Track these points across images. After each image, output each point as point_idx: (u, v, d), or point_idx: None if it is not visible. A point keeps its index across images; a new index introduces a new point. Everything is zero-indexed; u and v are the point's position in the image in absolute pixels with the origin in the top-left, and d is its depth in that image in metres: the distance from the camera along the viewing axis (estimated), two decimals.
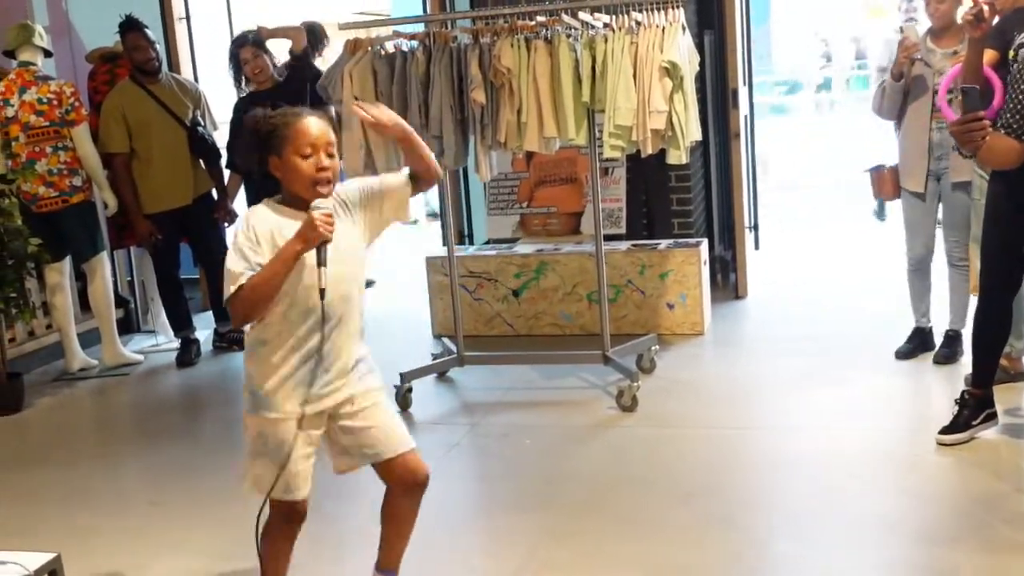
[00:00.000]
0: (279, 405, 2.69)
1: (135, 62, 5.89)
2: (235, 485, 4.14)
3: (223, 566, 3.48)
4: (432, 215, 9.01)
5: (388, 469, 2.83)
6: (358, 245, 2.76)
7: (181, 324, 6.15)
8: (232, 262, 2.59)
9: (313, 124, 2.62)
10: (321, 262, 2.56)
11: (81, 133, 5.66)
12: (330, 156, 2.63)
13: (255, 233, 2.61)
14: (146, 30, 5.90)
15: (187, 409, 5.45)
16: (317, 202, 2.57)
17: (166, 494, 4.14)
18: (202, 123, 6.06)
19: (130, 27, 5.86)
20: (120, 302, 6.58)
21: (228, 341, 6.25)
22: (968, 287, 4.78)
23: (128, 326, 6.75)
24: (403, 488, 2.86)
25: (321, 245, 2.55)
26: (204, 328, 6.37)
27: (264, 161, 2.66)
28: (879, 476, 3.79)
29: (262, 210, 2.69)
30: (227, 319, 6.26)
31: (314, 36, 6.00)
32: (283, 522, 2.85)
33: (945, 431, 3.98)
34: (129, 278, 6.93)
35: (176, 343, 6.21)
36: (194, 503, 4.03)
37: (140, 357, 6.16)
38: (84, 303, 6.17)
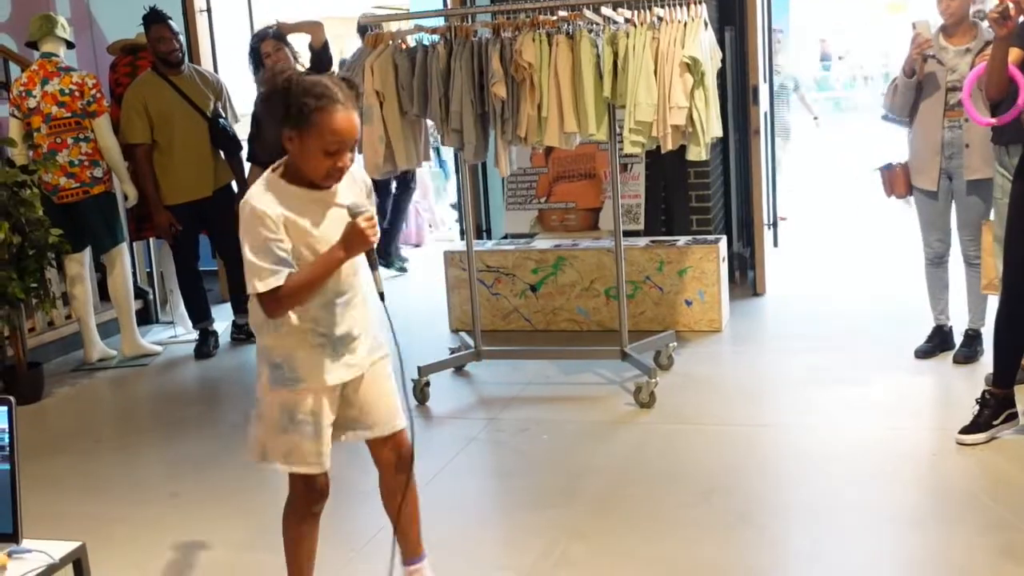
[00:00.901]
0: (303, 377, 2.66)
1: (159, 53, 5.91)
2: (255, 476, 4.18)
3: (244, 557, 3.49)
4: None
5: (379, 445, 2.83)
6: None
7: (200, 315, 6.17)
8: (256, 255, 2.49)
9: (347, 121, 2.47)
10: (373, 265, 2.55)
11: (102, 124, 5.69)
12: (352, 151, 2.55)
13: (271, 221, 2.50)
14: (170, 22, 5.92)
15: (206, 401, 5.47)
16: (355, 204, 2.51)
17: (186, 485, 4.16)
18: (223, 115, 6.08)
19: (155, 19, 5.88)
20: (139, 293, 6.61)
21: (247, 333, 6.27)
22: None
23: (147, 317, 6.78)
24: (394, 466, 2.85)
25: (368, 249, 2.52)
26: (222, 320, 6.40)
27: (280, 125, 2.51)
28: (898, 474, 3.78)
29: (264, 195, 2.54)
30: (246, 311, 6.28)
31: None
32: (304, 500, 2.82)
33: (966, 431, 3.96)
34: (148, 269, 6.97)
35: (194, 334, 6.23)
36: (214, 495, 4.05)
37: (159, 348, 6.19)
38: (103, 294, 6.21)
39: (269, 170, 2.61)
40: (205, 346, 6.08)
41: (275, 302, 2.52)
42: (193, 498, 4.03)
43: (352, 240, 2.49)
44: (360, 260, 2.66)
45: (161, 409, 5.30)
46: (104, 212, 5.81)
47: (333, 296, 2.63)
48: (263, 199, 2.53)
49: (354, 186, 2.68)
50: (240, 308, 6.30)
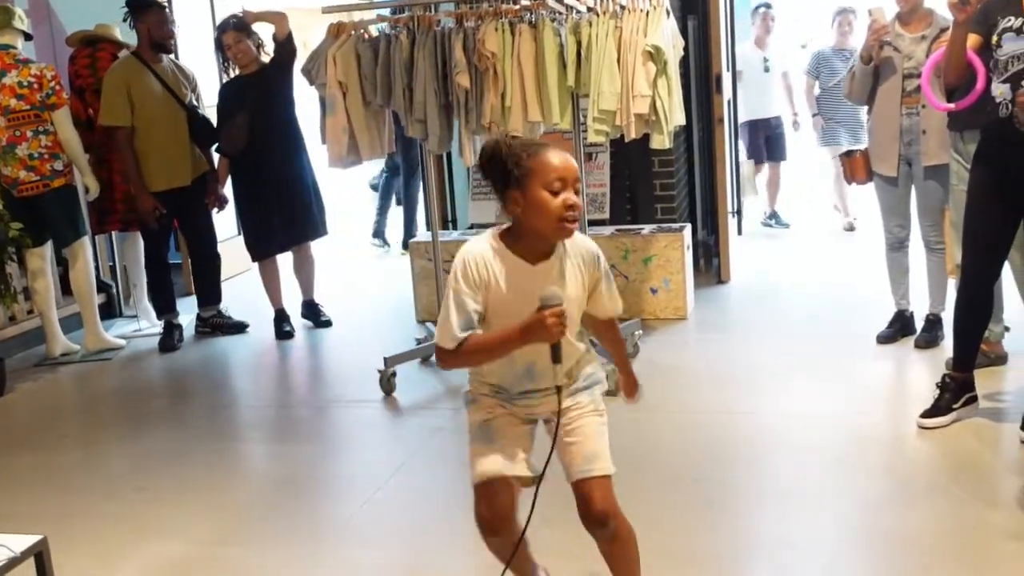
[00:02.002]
0: (484, 403, 2.59)
1: (156, 38, 5.85)
2: (222, 470, 4.18)
3: (209, 552, 3.48)
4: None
5: (575, 488, 2.55)
6: (581, 296, 2.53)
7: (165, 307, 6.12)
8: (450, 310, 2.40)
9: (562, 157, 2.38)
10: (556, 359, 2.36)
11: (62, 117, 5.63)
12: (577, 193, 2.38)
13: (475, 274, 2.39)
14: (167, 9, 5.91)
15: (171, 394, 5.44)
16: (549, 295, 2.32)
17: (151, 479, 4.14)
18: (198, 106, 6.05)
19: (154, 3, 5.86)
20: (102, 287, 6.56)
21: (211, 326, 6.24)
22: (945, 270, 4.82)
23: (110, 311, 6.73)
24: (585, 517, 2.55)
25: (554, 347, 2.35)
26: (186, 313, 6.36)
27: (502, 188, 2.40)
28: (862, 458, 3.82)
29: (483, 248, 2.43)
30: (210, 303, 6.26)
31: None
32: (487, 524, 2.59)
33: (927, 414, 4.01)
34: (111, 263, 6.91)
35: (158, 327, 6.19)
36: (180, 489, 4.02)
37: (122, 342, 6.14)
38: (66, 288, 6.15)
39: (493, 236, 2.48)
40: (170, 339, 6.04)
41: (453, 357, 2.43)
42: (159, 492, 4.00)
43: (533, 330, 2.32)
44: (570, 325, 2.45)
45: (126, 403, 5.26)
46: (65, 205, 5.75)
47: (515, 365, 2.50)
48: (479, 251, 2.43)
49: (576, 273, 2.50)
50: (204, 301, 6.27)
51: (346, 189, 10.58)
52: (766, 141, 8.19)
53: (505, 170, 2.37)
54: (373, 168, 8.97)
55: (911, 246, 5.04)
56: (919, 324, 5.04)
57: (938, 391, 4.04)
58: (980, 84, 3.76)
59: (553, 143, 2.46)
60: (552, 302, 2.31)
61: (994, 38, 3.66)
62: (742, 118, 7.87)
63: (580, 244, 2.52)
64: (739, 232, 7.30)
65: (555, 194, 2.35)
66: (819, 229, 7.99)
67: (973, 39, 3.74)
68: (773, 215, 8.28)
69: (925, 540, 3.19)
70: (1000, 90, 3.64)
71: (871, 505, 3.49)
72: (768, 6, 8.11)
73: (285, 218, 5.97)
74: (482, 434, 2.57)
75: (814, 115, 7.84)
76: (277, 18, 5.75)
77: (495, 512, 2.55)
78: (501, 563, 2.67)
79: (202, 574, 3.33)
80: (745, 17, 8.49)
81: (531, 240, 2.42)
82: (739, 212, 7.33)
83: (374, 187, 9.09)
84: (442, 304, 2.46)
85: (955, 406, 4.01)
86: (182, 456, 4.37)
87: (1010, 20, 3.61)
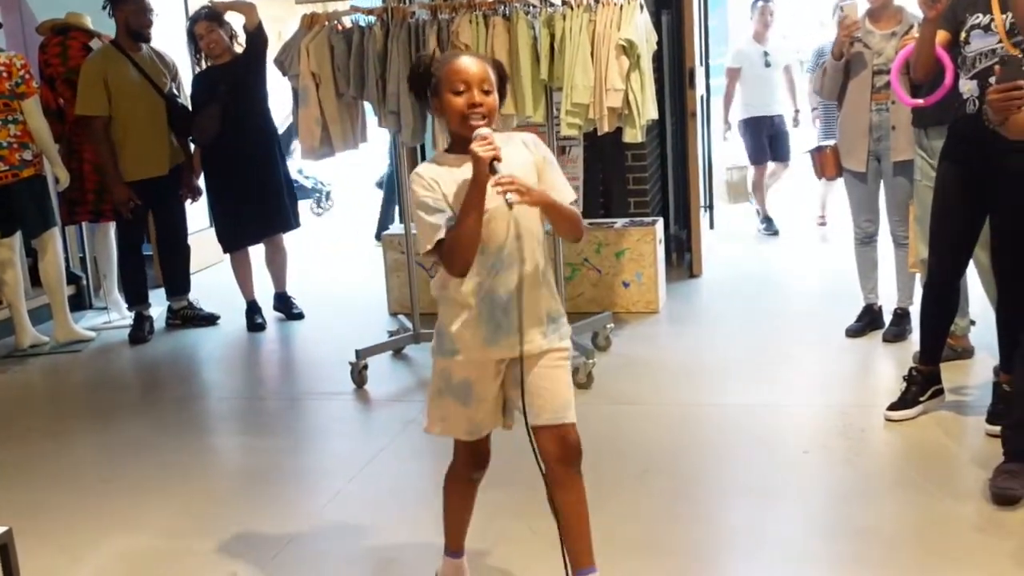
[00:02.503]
0: (461, 348, 2.62)
1: (135, 27, 5.81)
2: (190, 462, 4.16)
3: (176, 544, 3.46)
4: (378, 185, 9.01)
5: (544, 434, 2.61)
6: (533, 179, 2.57)
7: (137, 298, 6.09)
8: (421, 216, 2.53)
9: (467, 62, 2.53)
10: (492, 171, 2.42)
11: (32, 106, 5.57)
12: (486, 92, 2.51)
13: (426, 180, 2.53)
14: None
15: (140, 386, 5.41)
16: (476, 132, 2.46)
17: (119, 471, 4.11)
18: (178, 95, 6.01)
19: None
20: (72, 278, 6.50)
21: (182, 318, 6.21)
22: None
23: (80, 303, 6.68)
24: (557, 458, 2.62)
25: (492, 165, 2.42)
26: (157, 305, 6.32)
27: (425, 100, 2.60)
28: (830, 450, 3.85)
29: (427, 165, 2.60)
30: (179, 293, 6.23)
31: None
32: (464, 466, 2.81)
33: (894, 407, 4.05)
34: (81, 254, 6.86)
35: (128, 319, 6.15)
36: (147, 480, 4.00)
37: (92, 334, 6.10)
38: (35, 279, 6.09)
39: (437, 153, 2.68)
40: (140, 331, 6.00)
41: (445, 254, 2.51)
42: (127, 484, 3.98)
43: (474, 165, 2.44)
44: (533, 224, 2.58)
45: (95, 395, 5.23)
46: (35, 196, 5.70)
47: (498, 266, 2.56)
48: (420, 169, 2.59)
49: (517, 152, 2.58)
50: (175, 292, 6.23)
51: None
52: (770, 141, 7.82)
53: (427, 81, 2.57)
54: (379, 166, 8.91)
55: (880, 241, 5.08)
56: (888, 318, 5.08)
57: (905, 384, 4.08)
58: (948, 80, 3.79)
59: (472, 53, 2.67)
60: (478, 134, 2.45)
61: (962, 35, 3.68)
62: (742, 115, 7.74)
63: (517, 134, 2.67)
64: (711, 227, 7.33)
65: (459, 95, 2.50)
66: (796, 225, 7.99)
67: (941, 36, 3.76)
68: (766, 219, 7.86)
69: (892, 531, 3.22)
70: (968, 87, 3.67)
71: (839, 497, 3.52)
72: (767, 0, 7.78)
73: (257, 210, 5.94)
74: (460, 391, 2.65)
75: (813, 109, 7.58)
76: (246, 8, 5.71)
77: (481, 449, 2.79)
78: (450, 515, 2.88)
79: (170, 566, 3.32)
80: (745, 12, 8.27)
81: (462, 144, 2.53)
82: (711, 207, 7.36)
83: (379, 185, 8.96)
84: (414, 221, 2.59)
85: (922, 399, 4.04)
86: (151, 448, 4.35)
87: (978, 17, 3.64)
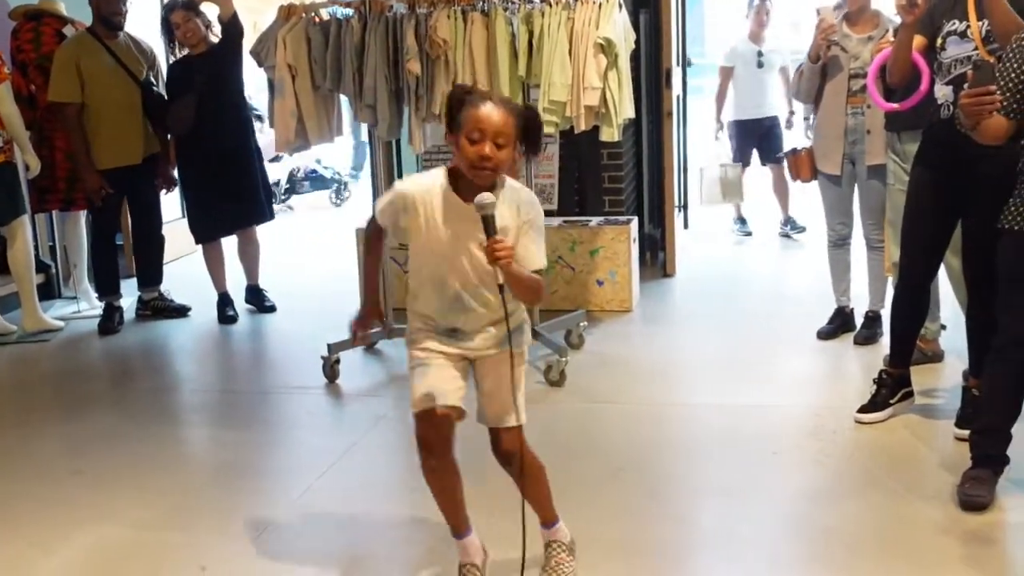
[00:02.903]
0: (421, 342, 2.76)
1: (105, 13, 5.76)
2: (162, 454, 4.13)
3: (147, 536, 3.44)
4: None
5: (491, 434, 2.84)
6: (513, 234, 2.66)
7: (108, 288, 6.03)
8: (386, 197, 2.72)
9: (488, 111, 2.56)
10: (491, 231, 2.53)
11: (3, 92, 5.50)
12: (499, 146, 2.56)
13: (415, 198, 2.66)
14: None
15: (110, 377, 5.36)
16: (482, 200, 2.51)
17: (88, 463, 4.08)
18: (155, 84, 5.95)
19: None
20: (41, 267, 6.43)
21: (152, 309, 6.17)
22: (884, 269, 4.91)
23: (49, 292, 6.61)
24: (500, 460, 2.85)
25: (490, 223, 2.52)
26: (127, 295, 6.26)
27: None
28: (800, 452, 3.88)
29: (430, 182, 2.68)
30: (152, 284, 6.19)
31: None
32: (429, 455, 2.79)
33: (864, 409, 4.08)
34: (51, 242, 6.78)
35: (97, 309, 6.10)
36: (117, 473, 3.97)
37: (61, 324, 6.04)
38: (3, 267, 6.02)
39: (443, 171, 2.70)
40: (110, 321, 5.95)
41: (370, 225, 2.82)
42: (96, 476, 3.95)
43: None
44: (489, 271, 2.61)
45: (64, 385, 5.18)
46: (4, 183, 5.62)
47: (451, 302, 2.71)
48: (431, 176, 2.70)
49: (508, 213, 2.65)
50: (147, 283, 6.19)
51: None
52: (760, 142, 7.69)
53: (452, 115, 2.63)
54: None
55: (853, 244, 5.12)
56: (860, 321, 5.12)
57: (875, 387, 4.11)
58: (924, 85, 3.82)
59: (500, 101, 2.63)
60: (485, 201, 2.51)
61: (938, 41, 3.71)
62: (732, 116, 7.66)
63: (521, 192, 2.71)
64: (685, 226, 7.36)
65: (473, 143, 2.56)
66: (769, 227, 8.01)
67: (918, 41, 3.79)
68: (788, 221, 7.73)
69: (860, 533, 3.24)
70: (943, 92, 3.70)
71: (808, 497, 3.54)
72: None
73: (230, 201, 5.90)
74: (421, 369, 2.75)
75: (806, 118, 7.40)
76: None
77: (436, 432, 2.75)
78: (437, 501, 2.88)
79: (140, 559, 3.29)
80: (723, 12, 8.18)
81: (468, 179, 2.61)
82: (685, 207, 7.38)
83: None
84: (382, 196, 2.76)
85: (892, 401, 4.08)
86: (120, 440, 4.31)
87: (955, 23, 3.68)
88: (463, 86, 2.83)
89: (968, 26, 3.63)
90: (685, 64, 7.12)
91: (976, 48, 3.60)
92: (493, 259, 2.52)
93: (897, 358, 4.10)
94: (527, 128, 2.62)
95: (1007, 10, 3.45)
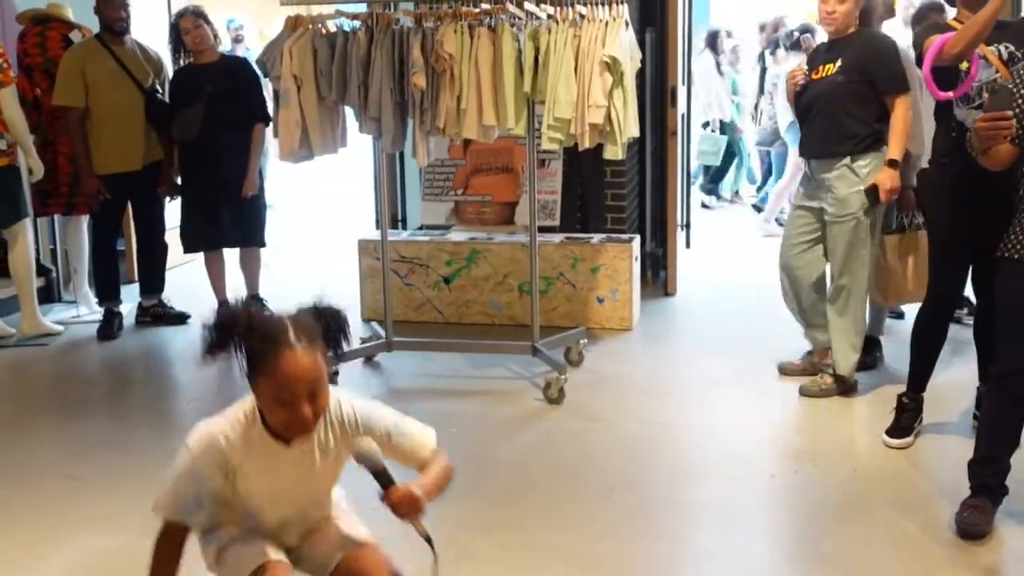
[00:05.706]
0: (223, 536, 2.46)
1: (104, 19, 5.78)
2: (156, 461, 4.10)
3: (143, 543, 3.41)
4: None
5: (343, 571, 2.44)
6: (338, 469, 2.40)
7: (108, 294, 6.02)
8: (178, 479, 2.31)
9: (297, 364, 2.10)
10: (387, 483, 2.25)
11: (8, 95, 5.51)
12: (314, 399, 2.15)
13: (222, 458, 2.24)
14: None
15: (108, 383, 5.35)
16: (364, 449, 2.21)
17: (84, 469, 4.07)
18: (160, 91, 5.96)
19: None
20: (41, 271, 6.42)
21: (152, 316, 6.16)
22: (881, 298, 4.91)
23: (49, 295, 6.59)
24: None
25: (384, 478, 2.23)
26: (128, 301, 6.26)
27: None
28: (796, 475, 3.86)
29: (230, 427, 2.24)
30: (153, 292, 6.18)
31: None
32: None
33: (892, 434, 4.07)
34: (52, 246, 6.77)
35: (97, 314, 6.09)
36: (113, 479, 3.96)
37: (60, 328, 6.03)
38: (3, 270, 6.02)
39: (244, 412, 2.26)
40: (109, 327, 5.94)
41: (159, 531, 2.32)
42: (91, 481, 3.94)
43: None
44: (318, 502, 2.42)
45: (61, 390, 5.17)
46: (7, 186, 5.63)
47: (276, 527, 2.39)
48: (227, 432, 2.24)
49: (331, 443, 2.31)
50: (148, 290, 6.18)
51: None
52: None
53: (247, 348, 2.14)
54: None
55: None
56: None
57: (896, 411, 4.09)
58: (974, 71, 3.69)
59: (302, 330, 2.16)
60: (364, 449, 2.20)
61: (963, 64, 3.70)
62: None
63: (338, 407, 2.31)
64: (687, 245, 7.35)
65: (284, 404, 2.13)
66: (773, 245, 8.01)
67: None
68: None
69: (858, 559, 3.23)
70: (972, 116, 3.66)
71: (803, 521, 3.53)
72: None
73: (224, 219, 5.86)
74: (237, 544, 2.39)
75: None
76: None
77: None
78: None
79: (133, 565, 3.25)
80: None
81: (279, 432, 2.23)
82: (688, 225, 7.38)
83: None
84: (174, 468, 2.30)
85: (915, 425, 4.08)
86: (116, 446, 4.30)
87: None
88: (242, 313, 2.15)
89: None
90: (690, 84, 7.14)
91: (998, 72, 3.61)
92: (401, 516, 2.19)
93: (919, 381, 4.09)
94: (328, 329, 2.21)
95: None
